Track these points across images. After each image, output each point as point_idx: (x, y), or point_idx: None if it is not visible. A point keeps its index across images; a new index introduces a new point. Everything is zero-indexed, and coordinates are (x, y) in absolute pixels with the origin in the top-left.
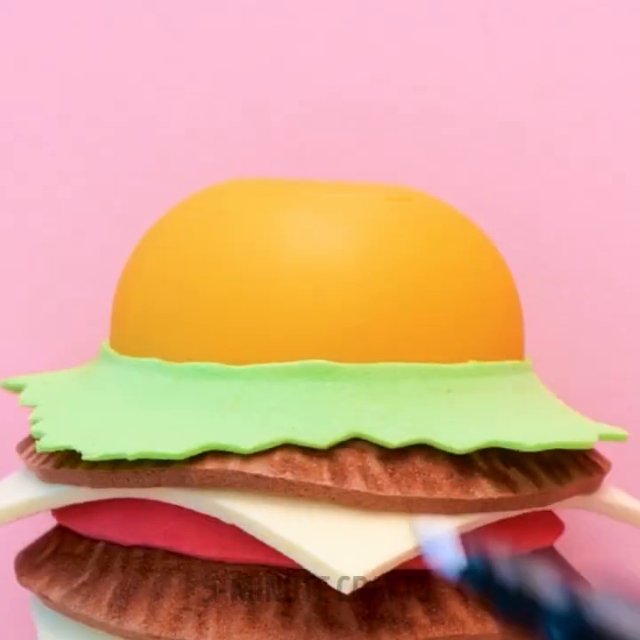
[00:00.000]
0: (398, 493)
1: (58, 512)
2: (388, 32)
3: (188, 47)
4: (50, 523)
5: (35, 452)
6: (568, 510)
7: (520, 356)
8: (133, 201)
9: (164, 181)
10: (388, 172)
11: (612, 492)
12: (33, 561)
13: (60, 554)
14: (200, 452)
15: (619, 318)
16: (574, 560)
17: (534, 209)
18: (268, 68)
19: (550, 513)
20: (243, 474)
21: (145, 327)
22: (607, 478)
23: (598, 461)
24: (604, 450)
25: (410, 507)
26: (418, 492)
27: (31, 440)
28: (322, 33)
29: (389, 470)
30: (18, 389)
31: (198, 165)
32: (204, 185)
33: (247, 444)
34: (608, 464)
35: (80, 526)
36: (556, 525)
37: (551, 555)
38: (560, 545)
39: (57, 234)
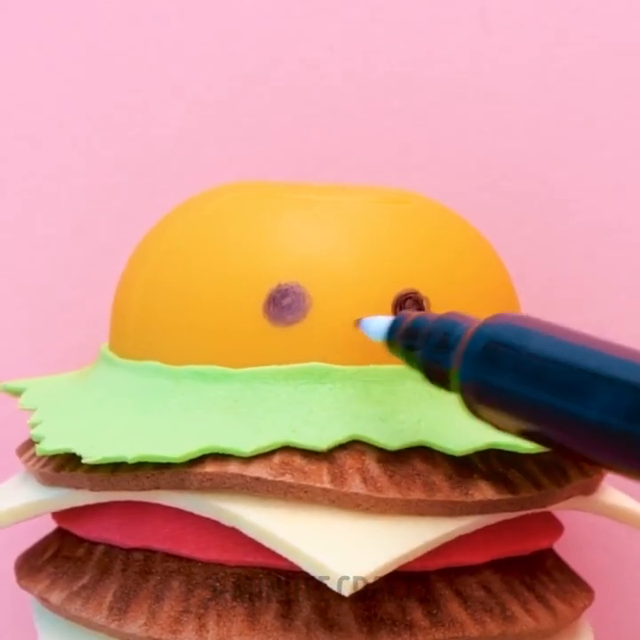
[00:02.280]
0: (398, 495)
1: (58, 515)
2: (387, 33)
3: (188, 49)
4: (49, 525)
5: (34, 455)
6: (566, 511)
7: None
8: (133, 202)
9: (164, 182)
10: (383, 173)
11: (611, 493)
12: (33, 564)
13: (60, 557)
14: (200, 454)
15: (618, 319)
16: (572, 561)
17: (532, 210)
18: (265, 69)
19: (549, 514)
20: (242, 476)
21: (144, 330)
22: (606, 479)
23: None
24: None
25: (409, 509)
26: (417, 494)
27: (31, 443)
28: (320, 34)
29: (389, 472)
30: (17, 392)
31: (199, 166)
32: (204, 186)
33: (247, 446)
34: None
35: (80, 529)
36: (555, 527)
37: (550, 556)
38: (558, 546)
39: (56, 234)
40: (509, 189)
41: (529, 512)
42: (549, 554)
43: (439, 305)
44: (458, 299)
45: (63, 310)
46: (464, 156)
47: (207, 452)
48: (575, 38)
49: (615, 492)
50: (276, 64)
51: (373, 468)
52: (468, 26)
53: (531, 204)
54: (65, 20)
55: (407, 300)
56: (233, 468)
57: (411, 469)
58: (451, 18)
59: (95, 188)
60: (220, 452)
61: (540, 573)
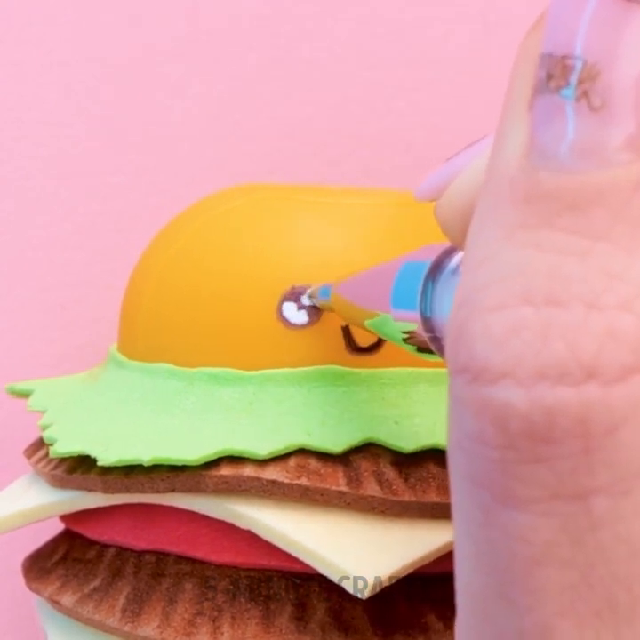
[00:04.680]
0: (413, 498)
1: (67, 517)
2: (388, 33)
3: (188, 50)
4: (51, 526)
5: (45, 457)
6: None
7: None
8: (134, 202)
9: (165, 182)
10: (384, 174)
11: None
12: (42, 566)
13: (70, 559)
14: (215, 457)
15: None
16: None
17: None
18: (265, 67)
19: None
20: (258, 479)
21: (156, 332)
22: None
23: None
24: None
25: (424, 512)
26: (432, 497)
27: (40, 445)
28: (324, 35)
29: (404, 475)
30: (24, 394)
31: (201, 166)
32: (207, 185)
33: (262, 449)
34: None
35: (91, 531)
36: None
37: None
38: None
39: (58, 235)
40: None
41: None
42: None
43: None
44: None
45: (65, 310)
46: None
47: (223, 455)
48: None
49: None
50: (277, 64)
51: (388, 470)
52: (468, 26)
53: None
54: (66, 19)
55: None
56: (248, 470)
57: (425, 472)
58: (451, 18)
59: (96, 189)
60: (236, 454)
61: None
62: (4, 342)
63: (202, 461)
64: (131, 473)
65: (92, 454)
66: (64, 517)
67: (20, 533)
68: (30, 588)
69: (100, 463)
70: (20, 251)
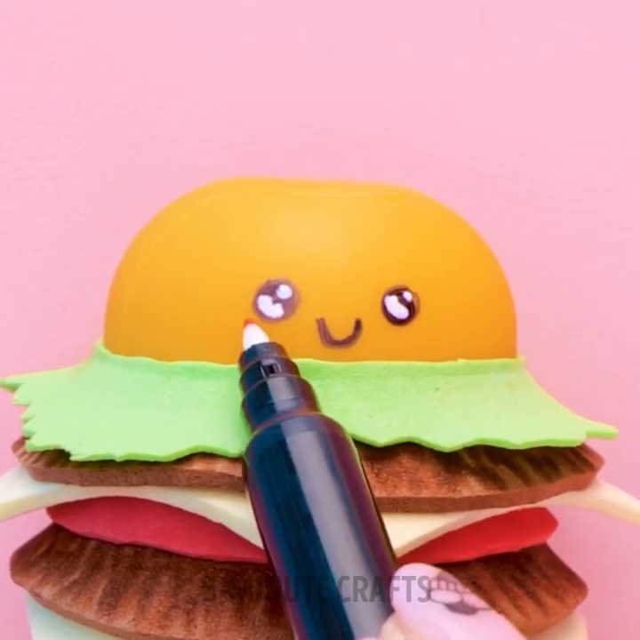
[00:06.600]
0: (383, 494)
1: (52, 510)
2: (387, 33)
3: (187, 50)
4: (43, 520)
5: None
6: (566, 509)
7: (511, 354)
8: (133, 202)
9: (165, 182)
10: (383, 174)
11: (605, 489)
12: (27, 559)
13: (53, 552)
14: (188, 454)
15: (612, 316)
16: (567, 557)
17: (527, 207)
18: (264, 67)
19: (543, 510)
20: (230, 476)
21: (136, 326)
22: (600, 475)
23: (589, 458)
24: (602, 447)
25: (396, 507)
26: (404, 492)
27: (25, 439)
28: (319, 33)
29: (376, 470)
30: (13, 388)
31: (200, 165)
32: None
33: (234, 448)
34: (600, 460)
35: (73, 524)
36: (548, 523)
37: (544, 552)
38: (557, 543)
39: (57, 234)
40: (509, 189)
41: (519, 508)
42: (543, 550)
43: (430, 301)
44: (448, 295)
45: (65, 310)
46: (464, 156)
47: (195, 451)
48: (574, 38)
49: (610, 487)
50: (275, 64)
51: None
52: (468, 26)
53: (524, 202)
54: (66, 19)
55: (396, 296)
56: (220, 467)
57: (398, 466)
58: (451, 18)
59: (96, 189)
60: (208, 451)
61: (531, 569)
62: (4, 342)
63: (174, 458)
64: (105, 466)
65: (67, 448)
66: (49, 510)
67: (19, 528)
68: (15, 581)
69: (73, 458)
70: (20, 251)
